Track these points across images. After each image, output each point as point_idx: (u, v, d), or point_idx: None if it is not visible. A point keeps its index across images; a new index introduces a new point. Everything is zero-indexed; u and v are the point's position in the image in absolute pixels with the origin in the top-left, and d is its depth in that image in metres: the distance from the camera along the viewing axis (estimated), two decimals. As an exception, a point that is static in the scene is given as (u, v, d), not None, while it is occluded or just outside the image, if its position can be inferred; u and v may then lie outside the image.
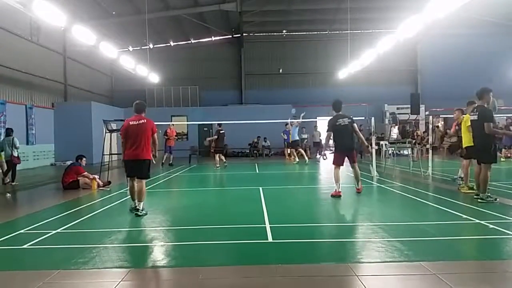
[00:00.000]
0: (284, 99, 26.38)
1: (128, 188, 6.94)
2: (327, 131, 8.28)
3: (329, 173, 14.12)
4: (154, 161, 6.97)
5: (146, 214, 6.51)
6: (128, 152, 6.58)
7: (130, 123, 6.61)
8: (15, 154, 11.46)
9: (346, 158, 8.16)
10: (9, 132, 11.79)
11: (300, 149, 17.45)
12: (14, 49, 17.40)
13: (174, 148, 17.96)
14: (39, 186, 11.50)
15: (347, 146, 8.05)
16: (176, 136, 17.08)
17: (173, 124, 18.48)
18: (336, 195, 7.81)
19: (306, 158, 16.98)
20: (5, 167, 11.54)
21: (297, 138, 17.48)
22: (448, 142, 22.89)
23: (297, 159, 17.50)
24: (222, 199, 8.98)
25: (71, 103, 22.00)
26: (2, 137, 15.97)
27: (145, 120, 6.61)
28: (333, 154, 8.46)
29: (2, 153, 11.54)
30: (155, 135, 6.70)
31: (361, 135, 8.43)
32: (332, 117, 8.13)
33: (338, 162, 8.07)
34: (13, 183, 11.34)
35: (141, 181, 6.59)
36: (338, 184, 7.92)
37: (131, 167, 6.65)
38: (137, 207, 6.52)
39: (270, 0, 22.75)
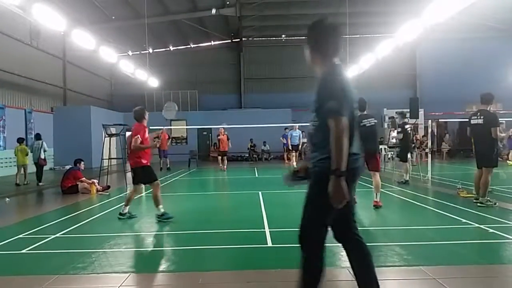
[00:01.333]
0: (283, 103, 26.39)
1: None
2: None
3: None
4: (158, 143, 7.49)
5: (130, 217, 6.55)
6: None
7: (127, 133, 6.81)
8: (42, 156, 12.39)
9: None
10: (39, 136, 12.84)
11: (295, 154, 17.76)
12: (13, 54, 17.41)
13: (169, 152, 17.91)
14: (38, 190, 11.47)
15: (371, 149, 6.75)
16: (168, 139, 16.94)
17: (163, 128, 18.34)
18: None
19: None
20: (27, 170, 12.45)
21: (297, 142, 17.55)
22: (447, 146, 23.05)
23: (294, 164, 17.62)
24: (222, 203, 8.97)
25: (70, 107, 22.00)
26: (1, 142, 16.02)
27: (133, 127, 6.62)
28: None
29: (27, 156, 12.47)
30: (135, 138, 6.29)
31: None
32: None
33: None
34: (40, 184, 12.08)
35: (133, 186, 6.70)
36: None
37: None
38: (121, 211, 6.62)
39: (269, 5, 22.83)
